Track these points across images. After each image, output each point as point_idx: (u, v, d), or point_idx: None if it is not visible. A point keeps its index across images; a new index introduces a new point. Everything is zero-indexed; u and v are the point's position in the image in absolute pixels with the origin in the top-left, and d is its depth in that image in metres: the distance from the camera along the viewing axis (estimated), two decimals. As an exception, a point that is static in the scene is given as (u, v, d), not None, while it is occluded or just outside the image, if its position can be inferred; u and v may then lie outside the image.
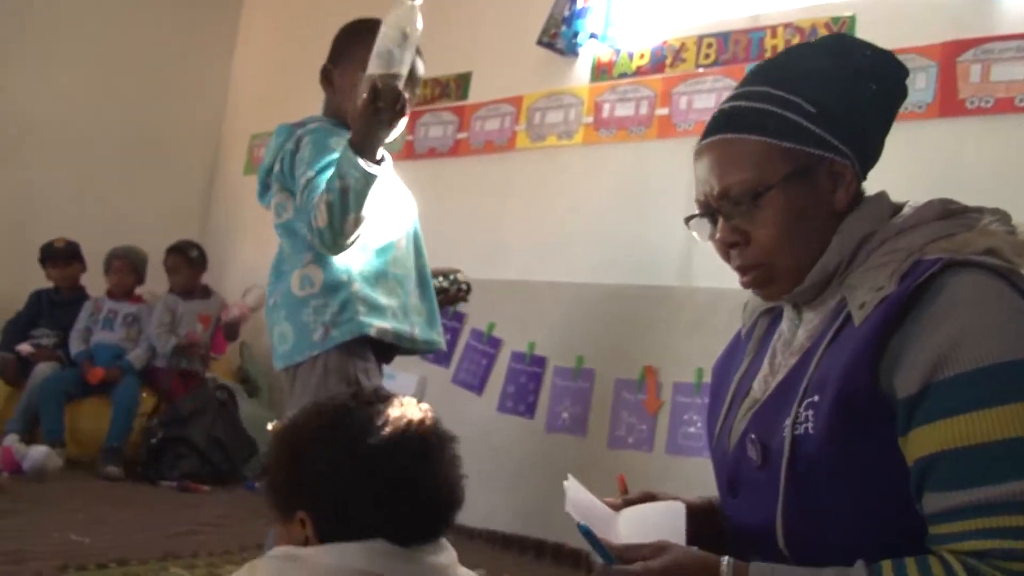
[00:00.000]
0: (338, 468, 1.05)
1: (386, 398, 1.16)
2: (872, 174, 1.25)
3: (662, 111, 3.93)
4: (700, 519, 1.23)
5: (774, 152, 1.15)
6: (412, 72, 1.87)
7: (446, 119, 4.74)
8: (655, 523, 1.17)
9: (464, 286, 2.11)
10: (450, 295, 2.11)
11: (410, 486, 1.08)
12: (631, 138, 4.02)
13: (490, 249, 4.28)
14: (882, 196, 1.20)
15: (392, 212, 2.08)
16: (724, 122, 1.20)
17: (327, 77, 2.14)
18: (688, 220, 1.25)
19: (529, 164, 4.41)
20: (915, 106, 3.16)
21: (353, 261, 1.99)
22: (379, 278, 2.02)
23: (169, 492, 4.22)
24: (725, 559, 1.05)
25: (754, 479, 1.14)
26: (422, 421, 1.15)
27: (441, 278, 2.12)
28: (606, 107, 4.14)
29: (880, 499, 1.03)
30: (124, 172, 5.55)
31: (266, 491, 1.12)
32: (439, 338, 2.14)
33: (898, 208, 1.17)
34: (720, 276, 1.34)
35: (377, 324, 1.97)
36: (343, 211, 1.84)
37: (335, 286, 1.97)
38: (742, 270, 1.21)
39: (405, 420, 1.13)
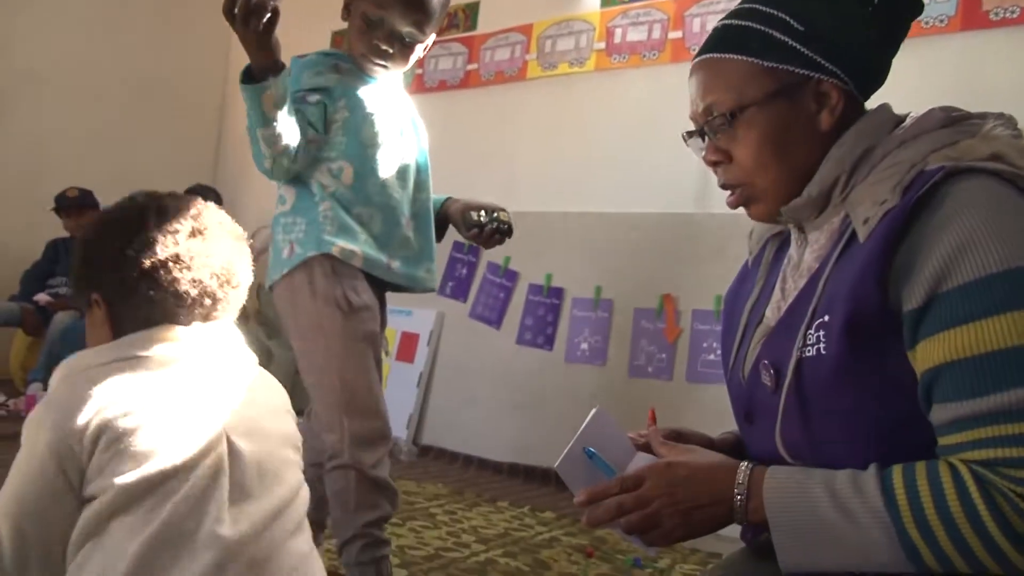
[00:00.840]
0: (120, 250, 1.12)
1: (181, 197, 1.22)
2: (888, 94, 1.21)
3: (675, 34, 3.85)
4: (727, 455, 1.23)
5: (756, 71, 1.14)
6: None
7: (455, 50, 4.66)
8: None
9: (503, 225, 2.04)
10: (485, 232, 2.04)
11: (183, 263, 1.13)
12: (644, 63, 3.95)
13: (503, 181, 4.24)
14: (883, 109, 1.16)
15: (378, 138, 2.00)
16: (711, 42, 1.20)
17: (346, 8, 2.08)
18: (686, 137, 1.24)
19: (541, 93, 4.34)
20: (935, 20, 3.07)
21: (328, 183, 1.97)
22: (355, 203, 1.98)
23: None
24: (744, 463, 1.07)
25: (769, 405, 1.13)
26: (204, 212, 1.20)
27: (481, 213, 2.05)
28: (618, 32, 4.06)
29: (894, 417, 1.01)
30: (134, 120, 5.53)
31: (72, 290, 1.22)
32: (427, 276, 2.06)
33: (900, 120, 1.14)
34: (738, 201, 1.31)
35: (341, 244, 1.93)
36: (249, 134, 1.86)
37: (305, 206, 1.98)
38: (724, 188, 1.21)
39: (188, 209, 1.18)
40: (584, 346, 3.90)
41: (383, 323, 2.09)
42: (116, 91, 5.47)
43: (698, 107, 1.19)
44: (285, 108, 1.82)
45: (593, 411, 1.19)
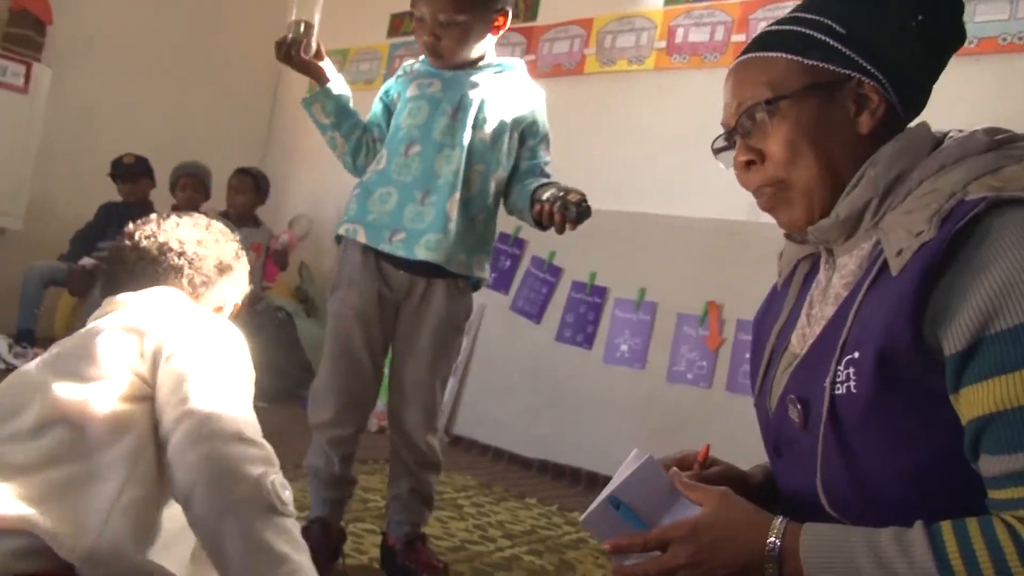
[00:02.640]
0: None
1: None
2: (945, 109, 1.15)
3: (738, 37, 3.78)
4: (765, 494, 1.18)
5: (794, 67, 1.10)
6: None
7: (514, 40, 4.62)
8: None
9: (571, 207, 1.96)
10: (545, 211, 1.98)
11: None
12: (705, 64, 3.89)
13: (553, 175, 4.18)
14: (922, 128, 1.10)
15: (406, 122, 2.15)
16: (749, 46, 1.17)
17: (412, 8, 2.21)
18: (715, 151, 1.21)
19: (598, 89, 4.29)
20: (1014, 37, 2.98)
21: (370, 169, 2.20)
22: (380, 184, 2.14)
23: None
24: (779, 518, 1.00)
25: (797, 440, 1.08)
26: None
27: (552, 192, 2.01)
28: (680, 32, 4.00)
29: (931, 457, 0.96)
30: (189, 89, 5.55)
31: None
32: (427, 248, 2.06)
33: (939, 141, 1.07)
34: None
35: (345, 227, 2.17)
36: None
37: (353, 191, 2.22)
38: (759, 190, 1.15)
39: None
40: (624, 348, 3.85)
41: (422, 307, 2.15)
42: (172, 60, 5.49)
43: (731, 107, 1.15)
44: (342, 116, 2.19)
45: (631, 455, 1.13)
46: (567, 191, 1.99)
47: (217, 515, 1.08)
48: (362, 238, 2.12)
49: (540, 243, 4.20)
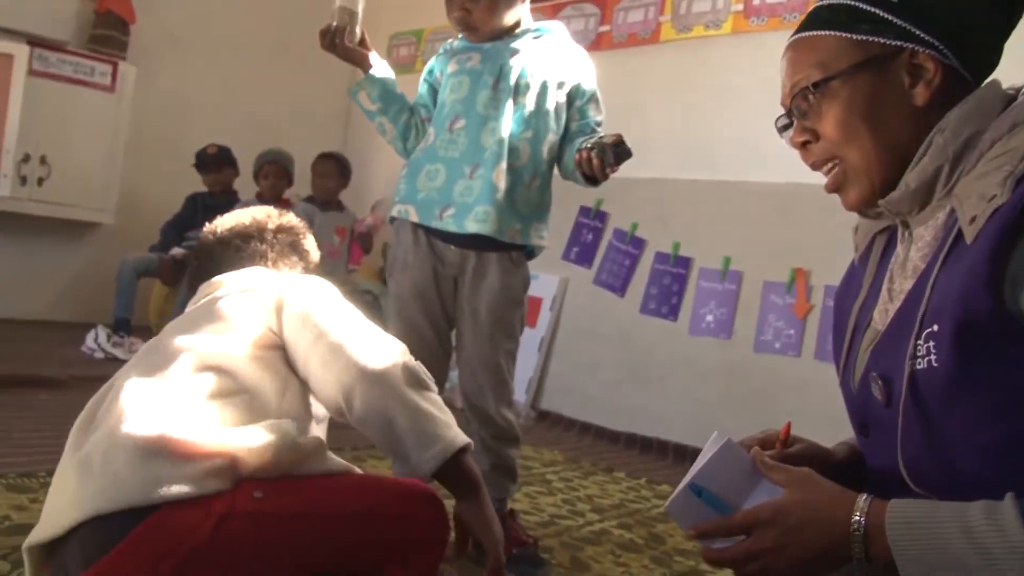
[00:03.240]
0: None
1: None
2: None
3: (818, -5, 3.68)
4: (850, 472, 1.16)
5: (844, 44, 1.08)
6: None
7: (587, 11, 4.58)
8: None
9: (607, 150, 1.95)
10: (583, 159, 1.98)
11: None
12: (784, 26, 3.79)
13: (633, 146, 4.12)
14: (992, 87, 1.05)
15: (449, 97, 2.16)
16: (802, 24, 1.15)
17: None
18: (779, 129, 1.19)
19: (674, 57, 4.22)
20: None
21: (418, 148, 2.22)
22: (427, 161, 2.17)
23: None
24: (863, 496, 0.98)
25: (882, 419, 1.05)
26: None
27: (589, 141, 2.01)
28: (757, -7, 3.90)
29: (1018, 430, 0.92)
30: (267, 79, 5.66)
31: None
32: (476, 220, 2.07)
33: (1012, 99, 1.03)
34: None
35: (399, 207, 2.20)
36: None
37: (402, 172, 2.25)
38: (816, 168, 1.15)
39: None
40: (709, 318, 3.80)
41: (477, 282, 2.16)
42: (250, 51, 5.60)
43: (785, 89, 1.14)
44: (388, 100, 2.21)
45: (712, 437, 1.12)
46: (604, 136, 1.99)
47: (381, 401, 1.25)
48: (414, 217, 2.15)
49: (622, 216, 4.17)
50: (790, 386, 3.41)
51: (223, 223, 1.66)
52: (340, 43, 2.15)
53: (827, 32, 1.09)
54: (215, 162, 5.03)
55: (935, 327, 0.96)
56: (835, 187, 1.13)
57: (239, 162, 5.10)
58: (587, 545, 2.37)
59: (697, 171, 3.96)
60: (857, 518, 0.96)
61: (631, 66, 4.35)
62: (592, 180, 2.07)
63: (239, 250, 1.62)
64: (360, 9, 2.18)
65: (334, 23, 2.16)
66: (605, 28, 4.49)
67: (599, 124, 2.23)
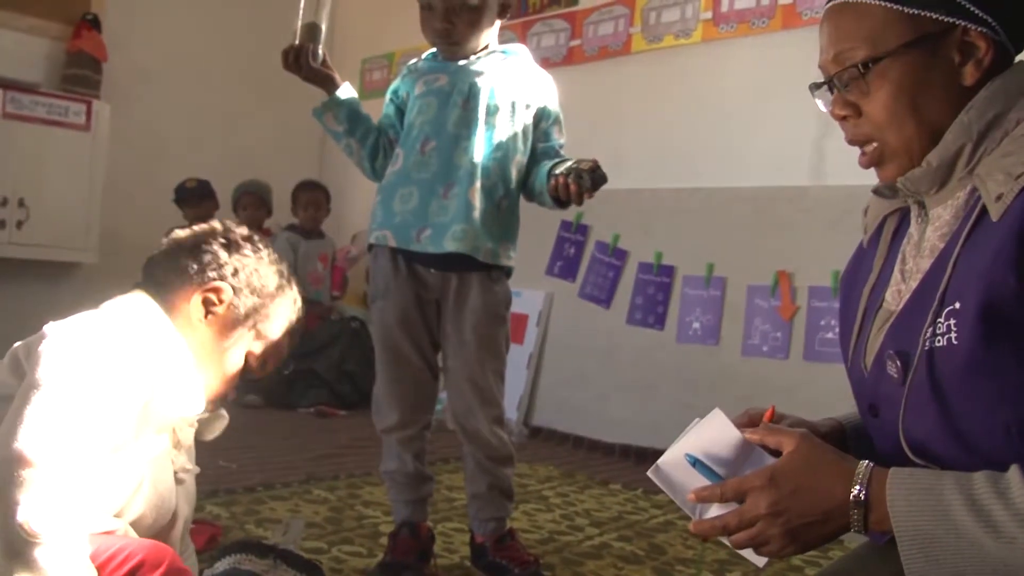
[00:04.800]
0: None
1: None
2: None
3: (785, 0, 3.71)
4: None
5: (894, 17, 1.03)
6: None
7: (558, 27, 4.60)
8: None
9: (584, 175, 1.95)
10: (560, 184, 1.98)
11: None
12: (753, 31, 3.82)
13: (610, 158, 4.10)
14: (1019, 67, 1.04)
15: (418, 119, 2.14)
16: None
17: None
18: (813, 89, 1.14)
19: (646, 68, 4.25)
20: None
21: (387, 172, 2.19)
22: (400, 185, 2.13)
23: (307, 418, 4.35)
24: (864, 462, 0.96)
25: (895, 397, 1.04)
26: None
27: (565, 166, 2.00)
28: (725, 1, 3.93)
29: None
30: (243, 109, 5.64)
31: None
32: (454, 239, 2.05)
33: None
34: (855, 172, 1.22)
35: (377, 232, 2.16)
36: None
37: (375, 198, 2.22)
38: (852, 144, 1.11)
39: None
40: (696, 325, 3.81)
41: (459, 303, 2.15)
42: (225, 84, 5.58)
43: (828, 55, 1.09)
44: (355, 121, 2.17)
45: (709, 416, 1.11)
46: (579, 161, 2.00)
47: None
48: (392, 242, 2.12)
49: (603, 228, 4.18)
50: (780, 388, 3.42)
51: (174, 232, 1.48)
52: (304, 62, 2.10)
53: (877, 1, 1.04)
54: (195, 196, 5.02)
55: (957, 305, 0.95)
56: (872, 164, 1.11)
57: (218, 194, 5.09)
58: (588, 560, 2.37)
59: (675, 179, 3.98)
60: (857, 487, 0.95)
61: (604, 79, 4.37)
62: (562, 204, 2.08)
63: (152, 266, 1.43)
64: (324, 26, 2.14)
65: (296, 41, 2.11)
66: (576, 42, 4.51)
67: (562, 147, 2.25)
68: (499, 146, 2.13)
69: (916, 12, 1.02)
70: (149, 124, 5.33)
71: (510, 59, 2.21)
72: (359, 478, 3.07)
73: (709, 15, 3.98)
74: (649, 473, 1.10)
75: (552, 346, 4.36)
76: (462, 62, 2.16)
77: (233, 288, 1.38)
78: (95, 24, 5.03)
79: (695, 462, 1.06)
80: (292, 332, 1.47)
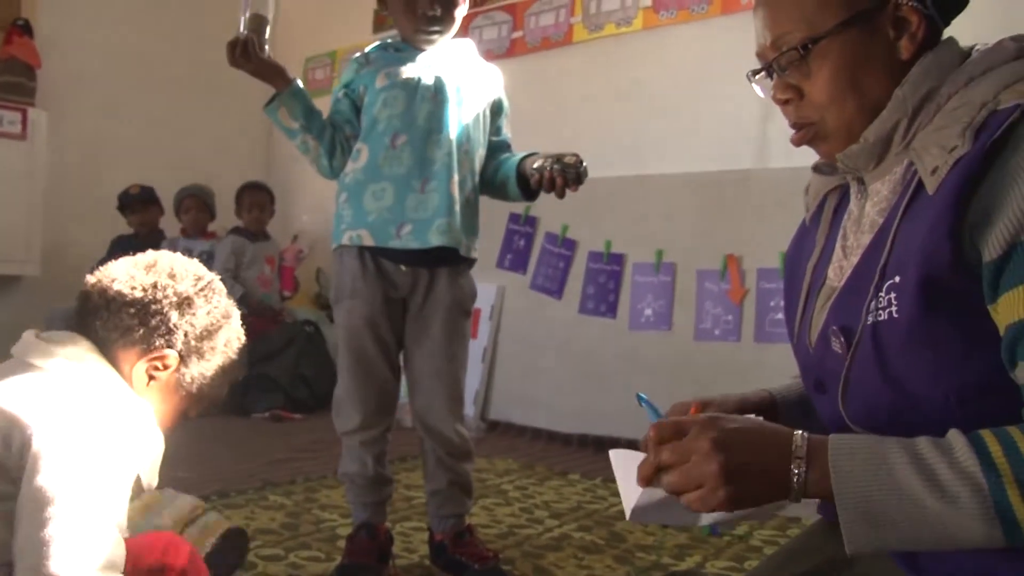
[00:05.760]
0: None
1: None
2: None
3: (723, -15, 3.73)
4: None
5: None
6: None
7: (499, 19, 4.58)
8: None
9: (569, 169, 1.94)
10: (545, 177, 1.96)
11: None
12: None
13: (554, 149, 4.12)
14: (950, 43, 1.05)
15: (385, 112, 2.08)
16: None
17: None
18: (750, 76, 1.14)
19: (588, 57, 4.25)
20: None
21: (347, 169, 2.13)
22: (369, 182, 2.09)
23: (263, 423, 4.30)
24: (799, 431, 0.94)
25: (839, 372, 1.05)
26: None
27: (547, 160, 1.99)
28: (664, -13, 3.94)
29: (980, 381, 0.93)
30: (184, 114, 5.55)
31: None
32: (438, 232, 2.04)
33: (967, 55, 1.03)
34: (799, 154, 1.23)
35: (347, 235, 2.11)
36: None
37: (337, 199, 2.17)
38: (795, 127, 1.11)
39: None
40: (648, 312, 3.83)
41: (429, 298, 2.14)
42: (165, 87, 5.49)
43: (766, 41, 1.09)
44: (310, 117, 2.09)
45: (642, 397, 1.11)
46: (560, 155, 1.99)
47: None
48: (369, 241, 2.08)
49: (552, 219, 4.18)
50: (733, 371, 3.44)
51: (115, 274, 1.30)
52: (252, 54, 1.99)
53: None
54: (139, 202, 4.95)
55: (897, 278, 0.96)
56: (806, 142, 1.11)
57: (163, 200, 5.01)
58: (548, 552, 2.37)
59: (622, 167, 3.98)
60: (799, 444, 0.92)
61: (547, 69, 4.37)
62: (530, 196, 2.09)
63: (84, 306, 1.28)
64: (271, 15, 2.04)
65: (243, 32, 2.00)
66: (518, 34, 4.50)
67: (510, 141, 2.27)
68: (468, 139, 2.13)
69: None
70: (88, 131, 5.23)
71: (466, 51, 2.21)
72: (316, 481, 3.04)
73: (649, 2, 3.99)
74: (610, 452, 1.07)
75: (506, 339, 4.36)
76: (423, 54, 2.13)
77: (181, 356, 1.28)
78: (27, 30, 4.92)
79: (642, 400, 1.06)
80: (232, 375, 1.39)
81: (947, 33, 1.07)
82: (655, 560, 2.33)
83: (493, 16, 4.60)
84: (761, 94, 1.15)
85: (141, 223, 4.99)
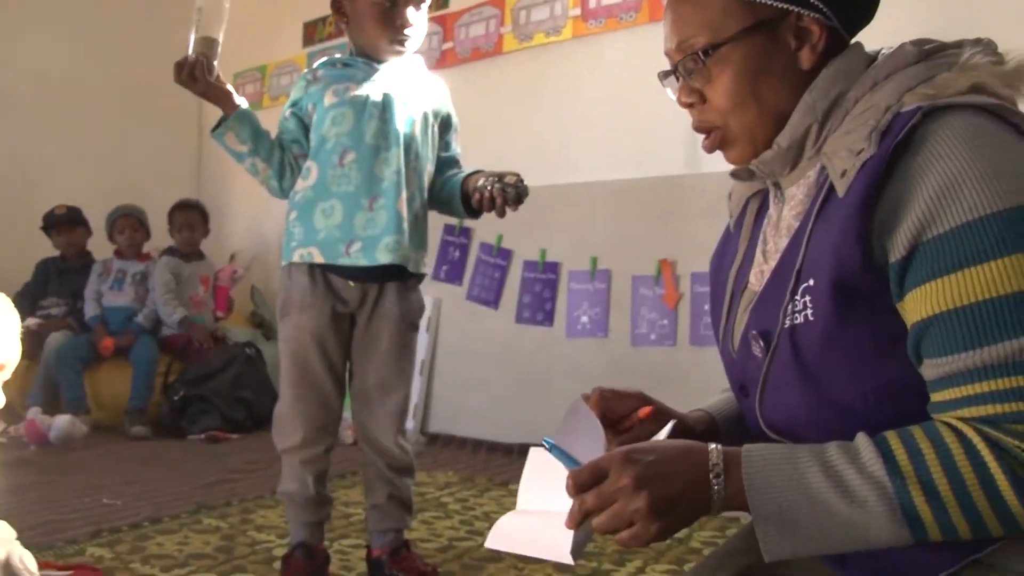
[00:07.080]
0: None
1: None
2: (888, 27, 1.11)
3: (651, -7, 3.76)
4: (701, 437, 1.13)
5: (732, 5, 1.05)
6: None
7: (430, 30, 4.53)
8: None
9: (509, 188, 1.93)
10: (486, 197, 1.95)
11: None
12: (622, 25, 3.86)
13: (489, 159, 4.07)
14: (856, 49, 1.07)
15: (333, 130, 2.07)
16: None
17: (337, 8, 2.09)
18: (661, 77, 1.16)
19: (520, 67, 4.26)
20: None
21: (297, 188, 2.11)
22: (318, 200, 2.07)
23: (198, 445, 4.19)
24: (712, 445, 0.94)
25: (761, 376, 1.06)
26: None
27: (488, 179, 1.98)
28: (592, -3, 3.97)
29: (894, 381, 0.95)
30: (116, 132, 5.45)
31: None
32: (386, 250, 2.02)
33: (873, 59, 1.06)
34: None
35: (298, 252, 2.08)
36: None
37: (287, 216, 2.13)
38: (699, 131, 1.13)
39: None
40: (584, 319, 3.83)
41: (377, 312, 2.12)
42: (96, 105, 5.38)
43: (672, 44, 1.10)
44: (258, 140, 2.07)
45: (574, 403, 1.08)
46: (501, 174, 1.97)
47: None
48: (319, 258, 2.06)
49: (486, 229, 4.17)
50: (670, 375, 3.46)
51: None
52: (201, 75, 1.99)
53: None
54: (65, 222, 4.84)
55: (811, 282, 0.97)
56: (715, 148, 1.12)
57: (92, 220, 4.90)
58: (488, 563, 2.35)
59: (554, 176, 3.99)
60: (715, 460, 0.92)
61: (478, 80, 4.36)
62: (475, 214, 2.08)
63: None
64: (220, 38, 2.02)
65: (191, 54, 1.99)
66: (448, 45, 4.50)
67: (459, 156, 2.26)
68: (416, 156, 2.11)
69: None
70: (15, 150, 5.10)
71: (414, 65, 2.19)
72: (252, 502, 2.98)
73: (578, 11, 4.01)
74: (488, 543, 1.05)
75: (444, 351, 4.33)
76: (372, 70, 2.10)
77: None
78: (-50, 49, 4.79)
79: (551, 447, 1.02)
80: None
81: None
82: (595, 567, 2.32)
83: (423, 27, 4.58)
84: (671, 95, 1.16)
85: (68, 244, 4.87)
